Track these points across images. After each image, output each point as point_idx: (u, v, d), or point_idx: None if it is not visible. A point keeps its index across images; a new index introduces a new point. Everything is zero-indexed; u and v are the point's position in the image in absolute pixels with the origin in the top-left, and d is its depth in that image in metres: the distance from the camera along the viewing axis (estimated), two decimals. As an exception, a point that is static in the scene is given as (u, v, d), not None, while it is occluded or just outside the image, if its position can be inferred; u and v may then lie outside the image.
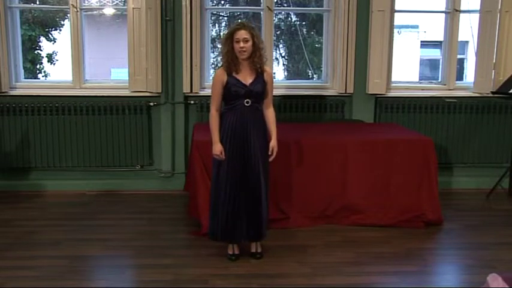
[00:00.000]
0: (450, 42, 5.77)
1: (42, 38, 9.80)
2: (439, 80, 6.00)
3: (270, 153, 3.78)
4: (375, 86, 5.57)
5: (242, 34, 3.66)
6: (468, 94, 5.74)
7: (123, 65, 5.73)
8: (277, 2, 6.55)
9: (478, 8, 5.59)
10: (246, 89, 3.71)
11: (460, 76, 9.87)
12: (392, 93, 5.70)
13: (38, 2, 7.42)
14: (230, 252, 3.89)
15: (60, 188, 5.48)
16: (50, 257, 3.88)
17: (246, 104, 3.73)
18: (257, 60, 3.71)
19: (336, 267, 3.77)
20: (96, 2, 8.23)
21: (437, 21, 7.15)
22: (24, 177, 5.49)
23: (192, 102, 5.51)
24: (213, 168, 3.87)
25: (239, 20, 6.18)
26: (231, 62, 3.71)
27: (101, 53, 9.48)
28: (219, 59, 4.24)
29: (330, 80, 5.73)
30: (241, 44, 3.65)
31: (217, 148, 3.72)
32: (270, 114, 3.84)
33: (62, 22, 9.83)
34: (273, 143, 3.79)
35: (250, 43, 3.67)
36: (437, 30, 7.71)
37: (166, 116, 5.50)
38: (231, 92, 3.72)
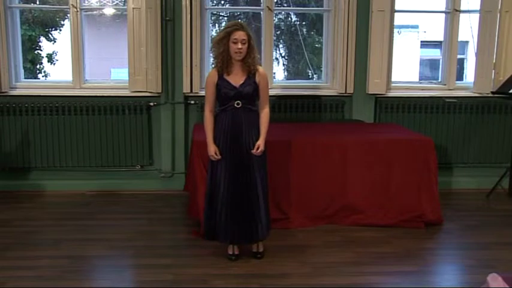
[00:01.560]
0: (450, 42, 5.77)
1: (42, 38, 9.81)
2: (439, 80, 6.00)
3: (254, 150, 3.71)
4: (375, 86, 5.57)
5: (241, 35, 3.60)
6: (468, 94, 5.74)
7: (123, 65, 5.73)
8: (277, 2, 6.54)
9: (478, 8, 5.59)
10: (236, 90, 3.67)
11: (460, 76, 9.88)
12: (392, 93, 5.70)
13: (38, 2, 7.42)
14: (230, 252, 3.89)
15: (60, 188, 5.48)
16: (50, 257, 3.88)
17: (236, 106, 3.70)
18: (250, 62, 3.67)
19: (335, 267, 3.77)
20: (96, 2, 8.22)
21: (437, 21, 7.16)
22: (24, 177, 5.50)
23: (192, 102, 5.51)
24: (207, 169, 3.86)
25: (239, 20, 6.17)
26: (224, 62, 3.67)
27: (101, 53, 9.48)
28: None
29: (330, 80, 5.72)
30: (239, 46, 3.60)
31: (211, 149, 3.72)
32: (262, 115, 3.77)
33: (62, 22, 9.84)
34: (259, 142, 3.72)
35: (246, 45, 3.63)
36: (437, 30, 7.72)
37: (166, 116, 5.50)
38: (221, 94, 3.70)
